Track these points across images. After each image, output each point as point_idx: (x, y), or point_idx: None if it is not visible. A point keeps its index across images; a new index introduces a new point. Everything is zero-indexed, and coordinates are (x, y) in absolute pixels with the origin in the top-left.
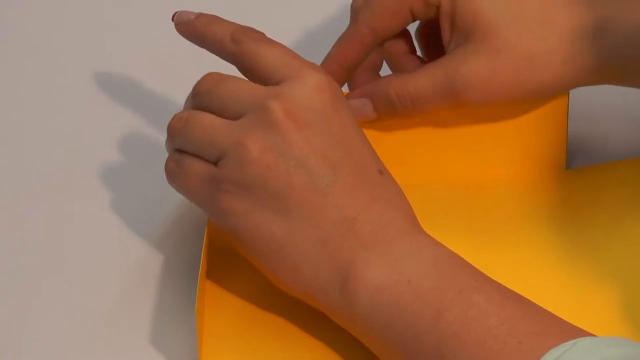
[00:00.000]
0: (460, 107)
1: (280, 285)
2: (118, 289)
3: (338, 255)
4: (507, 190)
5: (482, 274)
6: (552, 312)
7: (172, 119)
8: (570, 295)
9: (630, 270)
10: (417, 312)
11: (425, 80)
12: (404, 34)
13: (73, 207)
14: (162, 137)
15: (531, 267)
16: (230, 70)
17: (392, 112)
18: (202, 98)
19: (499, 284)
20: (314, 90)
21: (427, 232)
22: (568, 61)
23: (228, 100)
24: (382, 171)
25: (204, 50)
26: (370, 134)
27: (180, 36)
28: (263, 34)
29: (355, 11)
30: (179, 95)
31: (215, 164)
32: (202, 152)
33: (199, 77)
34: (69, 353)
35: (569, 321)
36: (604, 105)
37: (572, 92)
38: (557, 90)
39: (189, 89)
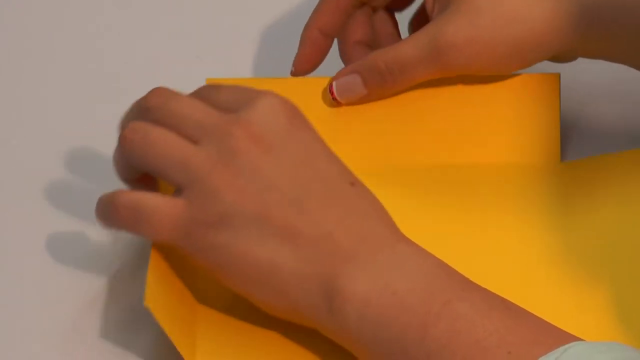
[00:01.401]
0: (446, 71)
1: (268, 309)
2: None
3: (322, 271)
4: (500, 182)
5: (469, 282)
6: (546, 309)
7: (126, 129)
8: (565, 293)
9: (626, 267)
10: (404, 325)
11: (411, 46)
12: (391, 18)
13: (55, 210)
14: None
15: (524, 263)
16: (232, 71)
17: (382, 83)
18: (153, 113)
19: (486, 291)
20: (270, 111)
21: (416, 226)
22: (549, 20)
23: (184, 119)
24: (354, 182)
25: (205, 51)
26: (368, 125)
27: (181, 36)
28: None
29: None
30: None
31: (175, 190)
32: (165, 173)
33: (199, 78)
34: None
35: (565, 319)
36: (597, 95)
37: (563, 83)
38: (539, 51)
39: (189, 89)
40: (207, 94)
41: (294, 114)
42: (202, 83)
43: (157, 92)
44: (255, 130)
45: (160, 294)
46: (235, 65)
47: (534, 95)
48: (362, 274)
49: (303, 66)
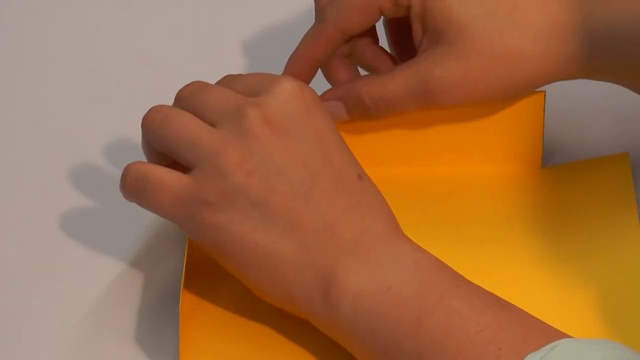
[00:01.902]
0: (434, 108)
1: (264, 295)
2: (99, 304)
3: (320, 262)
4: (483, 188)
5: (463, 278)
6: (533, 311)
7: (149, 111)
8: (549, 295)
9: (609, 269)
10: (398, 319)
11: (398, 83)
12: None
13: (55, 210)
14: None
15: (508, 266)
16: (230, 71)
17: (365, 114)
18: (183, 101)
19: (480, 288)
20: (289, 97)
21: (404, 230)
22: (542, 59)
23: (208, 105)
24: (362, 176)
25: (206, 51)
26: (349, 134)
27: (181, 36)
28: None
29: (321, 10)
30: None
31: (187, 169)
32: (178, 152)
33: (200, 77)
34: None
35: (549, 320)
36: (580, 102)
37: (547, 89)
38: (531, 88)
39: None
40: (230, 81)
41: (312, 101)
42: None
43: (192, 83)
44: (270, 114)
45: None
46: (234, 65)
47: (520, 105)
48: (359, 268)
49: None
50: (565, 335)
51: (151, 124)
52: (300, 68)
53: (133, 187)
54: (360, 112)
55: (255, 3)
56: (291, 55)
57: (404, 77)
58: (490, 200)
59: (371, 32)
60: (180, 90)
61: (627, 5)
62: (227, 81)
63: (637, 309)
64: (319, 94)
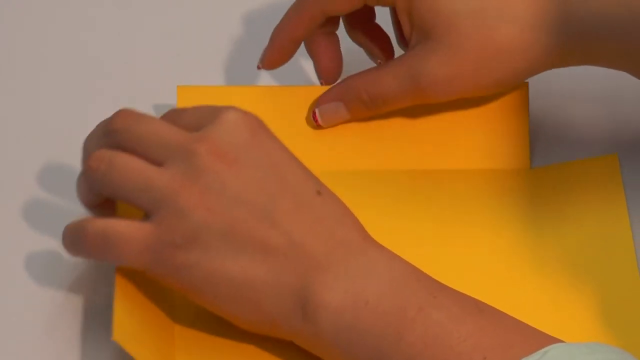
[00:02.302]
0: (430, 101)
1: (244, 325)
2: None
3: (294, 281)
4: (472, 189)
5: (440, 286)
6: (522, 312)
7: (89, 158)
8: (539, 295)
9: (600, 270)
10: (378, 335)
11: (392, 80)
12: None
13: (51, 208)
14: None
15: (497, 267)
16: (226, 68)
17: (365, 111)
18: (118, 136)
19: (458, 294)
20: (234, 126)
21: (390, 226)
22: (531, 51)
23: (149, 142)
24: (321, 191)
25: (206, 51)
26: (335, 134)
27: (181, 36)
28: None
29: None
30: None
31: (144, 211)
32: (131, 198)
33: (200, 77)
34: None
35: (539, 320)
36: (567, 101)
37: (531, 87)
38: (522, 78)
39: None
40: (171, 116)
41: (257, 127)
42: (196, 82)
43: (122, 114)
44: (218, 146)
45: (130, 323)
46: (234, 65)
47: (504, 103)
48: (334, 283)
49: (270, 65)
50: (551, 338)
51: (96, 172)
52: (283, 42)
53: (94, 245)
54: (360, 109)
55: (255, 3)
56: (275, 29)
57: (396, 74)
58: (479, 201)
59: (367, 11)
60: (111, 121)
61: None
62: (170, 115)
63: (628, 309)
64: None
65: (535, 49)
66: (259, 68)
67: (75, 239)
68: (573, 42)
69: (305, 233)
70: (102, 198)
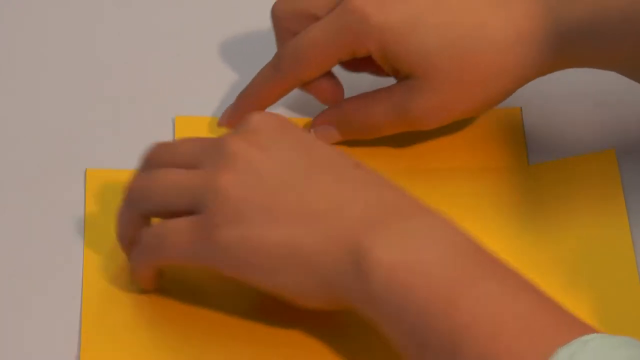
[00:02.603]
0: (421, 129)
1: (300, 298)
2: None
3: (346, 242)
4: (469, 186)
5: (498, 261)
6: None
7: (132, 180)
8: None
9: (598, 267)
10: (431, 298)
11: (381, 111)
12: None
13: (49, 208)
14: (148, 145)
15: None
16: (228, 68)
17: (356, 135)
18: (155, 159)
19: (515, 271)
20: (261, 122)
21: None
22: (513, 69)
23: (184, 153)
24: (359, 164)
25: (207, 50)
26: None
27: (181, 36)
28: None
29: (280, 58)
30: (180, 95)
31: (186, 213)
32: (174, 202)
33: (200, 77)
34: None
35: None
36: (563, 97)
37: (527, 87)
38: (511, 93)
39: (190, 89)
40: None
41: (284, 120)
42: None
43: (154, 146)
44: (248, 137)
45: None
46: (234, 64)
47: (500, 110)
48: (389, 240)
49: (233, 126)
50: (588, 327)
51: (138, 189)
52: (252, 108)
53: (149, 246)
54: (352, 134)
55: (256, 3)
56: (242, 94)
57: (385, 105)
58: (476, 198)
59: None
60: (147, 155)
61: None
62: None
63: (626, 305)
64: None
65: (520, 66)
66: (219, 125)
67: (131, 246)
68: (562, 52)
69: (350, 198)
70: (139, 226)
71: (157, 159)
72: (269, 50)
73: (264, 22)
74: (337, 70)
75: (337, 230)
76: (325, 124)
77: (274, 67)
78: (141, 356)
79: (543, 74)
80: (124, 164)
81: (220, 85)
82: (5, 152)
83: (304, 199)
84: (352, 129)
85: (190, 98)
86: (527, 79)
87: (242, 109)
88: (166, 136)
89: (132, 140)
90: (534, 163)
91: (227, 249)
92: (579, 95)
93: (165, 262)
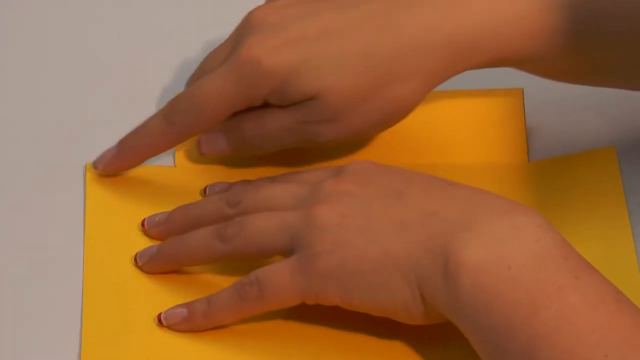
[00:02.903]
0: (313, 145)
1: (408, 314)
2: None
3: (435, 245)
4: (470, 183)
5: (585, 267)
6: None
7: (219, 228)
8: None
9: (598, 264)
10: (513, 304)
11: (275, 123)
12: None
13: (49, 205)
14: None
15: None
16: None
17: (244, 148)
18: (243, 203)
19: (602, 280)
20: (356, 166)
21: None
22: (406, 78)
23: (276, 199)
24: (453, 183)
25: (207, 51)
26: None
27: (182, 36)
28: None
29: (172, 110)
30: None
31: (283, 253)
32: (272, 243)
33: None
34: None
35: None
36: (564, 95)
37: (528, 84)
38: (419, 97)
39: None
40: (287, 177)
41: (382, 165)
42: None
43: (238, 187)
44: (342, 177)
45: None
46: None
47: (500, 98)
48: (476, 241)
49: (113, 172)
50: None
51: (230, 238)
52: (132, 159)
53: (253, 297)
54: (238, 145)
55: (256, 3)
56: (126, 142)
57: (280, 119)
58: None
59: None
60: (232, 194)
61: None
62: (283, 178)
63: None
64: None
65: (416, 73)
66: (94, 166)
67: (232, 292)
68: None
69: (440, 204)
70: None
71: (246, 201)
72: None
73: None
74: None
75: (427, 235)
76: (215, 131)
77: (165, 118)
78: (142, 355)
79: (447, 77)
80: None
81: None
82: (5, 151)
83: (397, 214)
84: (242, 138)
85: None
86: (434, 84)
87: (124, 159)
88: None
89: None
90: (534, 160)
91: (329, 276)
92: (580, 92)
93: (265, 309)
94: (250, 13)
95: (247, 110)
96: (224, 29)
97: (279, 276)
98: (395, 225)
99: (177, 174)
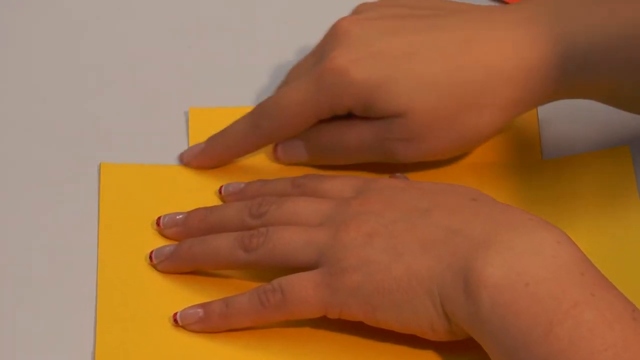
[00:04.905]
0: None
1: (433, 331)
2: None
3: (457, 263)
4: (483, 181)
5: (602, 284)
6: None
7: (244, 236)
8: None
9: (612, 262)
10: (530, 320)
11: (356, 138)
12: None
13: (49, 205)
14: (162, 139)
15: None
16: (224, 63)
17: (322, 157)
18: (267, 217)
19: (618, 296)
20: (382, 184)
21: None
22: (506, 123)
23: (301, 215)
24: (477, 198)
25: (208, 50)
26: None
27: (181, 36)
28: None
29: (259, 116)
30: (181, 95)
31: (310, 265)
32: (297, 258)
33: (200, 78)
34: None
35: None
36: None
37: None
38: (499, 127)
39: (191, 90)
40: (310, 186)
41: (411, 181)
42: (193, 73)
43: (263, 199)
44: (369, 198)
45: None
46: (234, 63)
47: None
48: (496, 259)
49: (198, 167)
50: None
51: (255, 248)
52: (221, 157)
53: (274, 304)
54: (317, 154)
55: (256, 2)
56: (215, 141)
57: (359, 132)
58: (490, 193)
59: None
60: (255, 206)
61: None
62: (306, 188)
63: None
64: None
65: (497, 105)
66: (180, 159)
67: (254, 299)
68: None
69: (463, 222)
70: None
71: (271, 214)
72: (271, 49)
73: (267, 21)
74: None
75: (450, 253)
76: (295, 138)
77: (252, 123)
78: (157, 352)
79: (528, 109)
80: (138, 158)
81: (232, 76)
82: (19, 149)
83: (422, 232)
84: (322, 149)
85: (203, 90)
86: (511, 114)
87: (212, 156)
88: (180, 128)
89: (131, 139)
90: (548, 158)
91: (355, 291)
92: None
93: (284, 318)
94: (337, 23)
95: (330, 120)
96: (225, 29)
97: (304, 287)
98: (420, 244)
99: (191, 173)
